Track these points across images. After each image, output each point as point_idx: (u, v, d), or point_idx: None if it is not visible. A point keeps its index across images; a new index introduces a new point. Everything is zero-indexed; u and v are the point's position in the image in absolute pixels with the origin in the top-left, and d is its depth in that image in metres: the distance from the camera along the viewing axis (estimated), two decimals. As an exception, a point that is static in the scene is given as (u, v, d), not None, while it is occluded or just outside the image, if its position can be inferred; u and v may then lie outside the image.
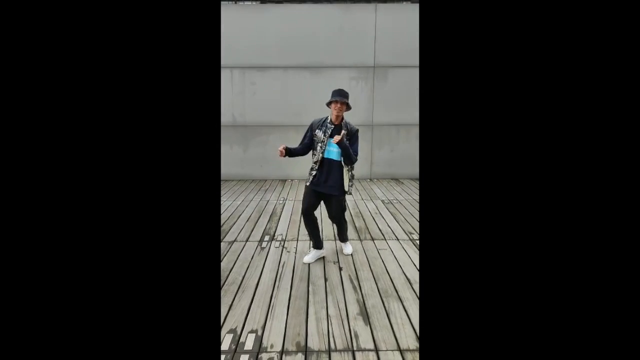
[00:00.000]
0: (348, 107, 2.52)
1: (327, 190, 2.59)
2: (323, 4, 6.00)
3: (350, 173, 2.61)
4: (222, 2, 5.97)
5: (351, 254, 2.91)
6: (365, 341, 1.77)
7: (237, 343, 1.76)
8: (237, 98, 6.25)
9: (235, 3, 6.00)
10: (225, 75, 6.17)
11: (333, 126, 2.53)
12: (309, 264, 2.70)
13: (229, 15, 5.96)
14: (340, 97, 2.45)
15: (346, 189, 2.61)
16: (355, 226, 3.68)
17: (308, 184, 2.64)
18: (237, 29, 5.98)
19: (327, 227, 3.59)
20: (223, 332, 1.85)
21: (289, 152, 2.58)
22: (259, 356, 1.66)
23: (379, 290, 2.30)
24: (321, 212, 3.85)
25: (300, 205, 2.84)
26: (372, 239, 3.28)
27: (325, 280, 2.45)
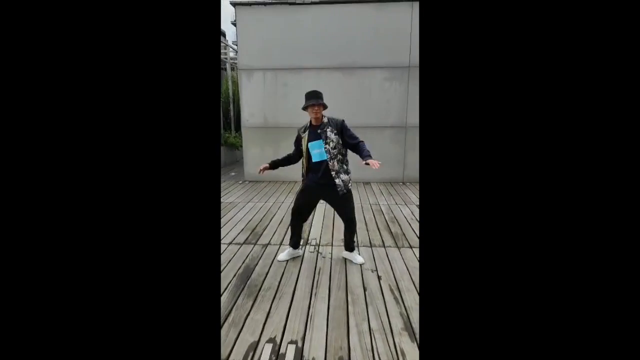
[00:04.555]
0: (324, 107, 2.53)
1: (329, 189, 2.55)
2: (357, 4, 5.88)
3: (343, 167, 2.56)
4: (254, 5, 6.01)
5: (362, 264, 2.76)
6: (413, 360, 1.65)
7: (277, 354, 1.69)
8: (269, 99, 6.26)
9: (265, 6, 6.01)
10: (257, 77, 6.20)
11: (310, 130, 2.57)
12: (345, 271, 2.61)
13: (261, 17, 5.98)
14: (316, 100, 2.45)
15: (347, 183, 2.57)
16: (392, 232, 3.53)
17: (310, 182, 2.62)
18: (270, 31, 5.99)
19: (365, 232, 3.47)
20: (262, 340, 1.79)
21: (274, 164, 2.70)
22: (301, 370, 1.58)
23: (422, 303, 2.16)
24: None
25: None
26: (411, 247, 3.13)
27: (364, 289, 2.34)
